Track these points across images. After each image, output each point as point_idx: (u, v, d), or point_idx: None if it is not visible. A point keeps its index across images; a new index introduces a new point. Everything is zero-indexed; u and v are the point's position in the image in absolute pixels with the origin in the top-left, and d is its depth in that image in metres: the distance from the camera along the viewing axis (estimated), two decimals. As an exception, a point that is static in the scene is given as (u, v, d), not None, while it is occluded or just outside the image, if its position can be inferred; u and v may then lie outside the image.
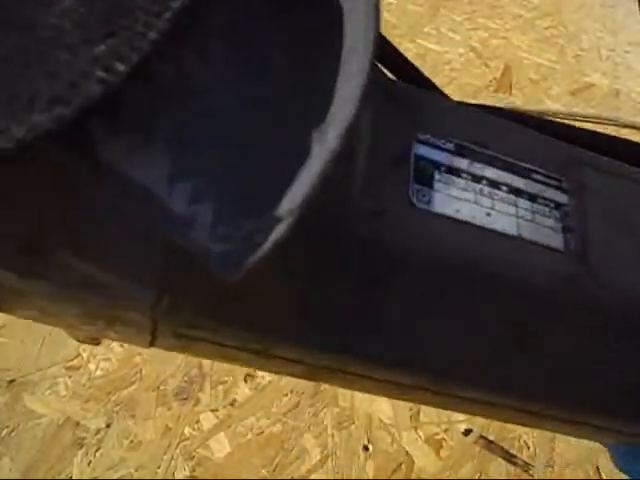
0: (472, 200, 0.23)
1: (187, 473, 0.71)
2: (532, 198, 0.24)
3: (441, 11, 1.58)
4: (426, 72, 0.29)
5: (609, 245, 0.24)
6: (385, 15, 1.39)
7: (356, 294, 0.23)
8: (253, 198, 0.15)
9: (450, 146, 0.24)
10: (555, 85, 1.39)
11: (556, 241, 0.24)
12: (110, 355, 0.82)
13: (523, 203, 0.24)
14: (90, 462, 0.71)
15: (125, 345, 0.83)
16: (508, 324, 0.24)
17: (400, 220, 0.22)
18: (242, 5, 0.16)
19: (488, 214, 0.23)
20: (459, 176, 0.24)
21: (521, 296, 0.23)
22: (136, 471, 0.71)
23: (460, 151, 0.24)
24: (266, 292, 0.22)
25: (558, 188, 0.25)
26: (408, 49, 1.40)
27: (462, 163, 0.24)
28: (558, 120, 0.31)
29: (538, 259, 0.23)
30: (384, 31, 0.23)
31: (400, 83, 0.27)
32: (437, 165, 0.23)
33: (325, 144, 0.14)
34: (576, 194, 0.25)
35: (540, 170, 0.25)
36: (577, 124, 0.31)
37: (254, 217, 0.15)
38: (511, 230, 0.23)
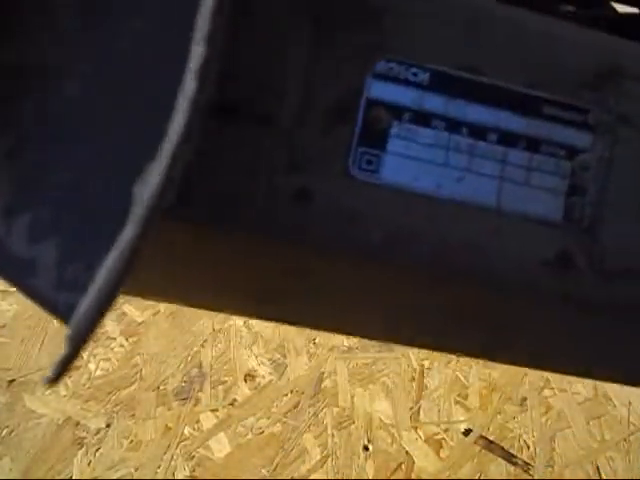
0: (440, 161, 0.17)
1: (187, 473, 0.71)
2: (533, 146, 0.17)
3: (441, 11, 1.58)
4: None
5: (632, 217, 0.17)
6: (385, 15, 1.39)
7: (279, 282, 0.18)
8: (99, 229, 0.12)
9: (423, 77, 0.17)
10: (555, 85, 1.39)
11: (553, 208, 0.17)
12: (110, 355, 0.82)
13: (517, 156, 0.17)
14: (90, 462, 0.71)
15: (125, 345, 0.83)
16: (481, 326, 0.20)
17: (330, 203, 0.16)
18: None
19: (459, 179, 0.17)
20: (428, 125, 0.17)
21: (493, 294, 0.18)
22: (136, 471, 0.71)
23: (437, 84, 0.17)
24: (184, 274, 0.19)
25: (580, 125, 0.17)
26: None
27: (436, 103, 0.17)
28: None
29: (518, 242, 0.17)
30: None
31: None
32: (398, 111, 0.17)
33: (154, 173, 0.11)
34: (605, 131, 0.17)
35: (558, 98, 0.17)
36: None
37: (99, 254, 0.11)
38: (488, 200, 0.17)
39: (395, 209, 0.16)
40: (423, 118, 0.17)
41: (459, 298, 0.18)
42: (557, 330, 0.20)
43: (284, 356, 0.82)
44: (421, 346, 0.24)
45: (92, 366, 0.80)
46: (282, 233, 0.16)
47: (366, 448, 0.74)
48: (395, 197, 0.16)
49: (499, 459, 0.75)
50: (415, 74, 0.17)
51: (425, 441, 0.75)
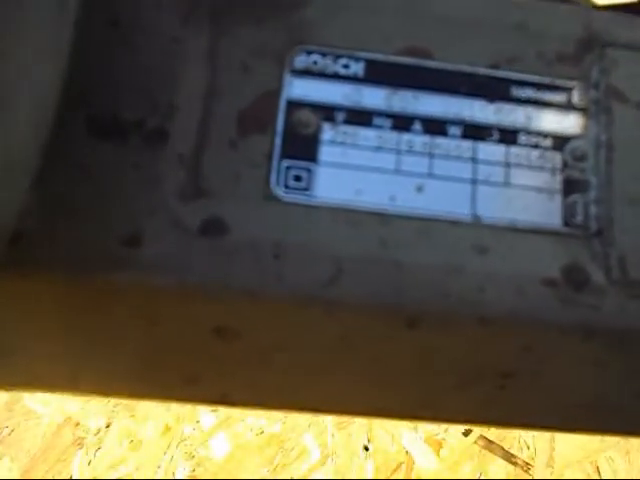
0: (391, 167, 0.13)
1: (187, 473, 0.71)
2: (508, 137, 0.13)
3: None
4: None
5: None
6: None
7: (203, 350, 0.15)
8: None
9: (356, 68, 0.13)
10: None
11: (548, 212, 0.13)
12: (110, 355, 0.82)
13: (489, 152, 0.13)
14: (90, 462, 0.71)
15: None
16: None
17: (251, 234, 0.12)
18: None
19: (419, 188, 0.13)
20: (369, 124, 0.13)
21: (485, 331, 0.13)
22: (136, 471, 0.71)
23: (374, 74, 0.13)
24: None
25: (563, 106, 0.14)
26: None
27: (376, 97, 0.13)
28: None
29: (510, 260, 0.13)
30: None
31: None
32: (329, 111, 0.13)
33: None
34: (597, 111, 0.14)
35: (530, 78, 0.14)
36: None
37: None
38: (461, 210, 0.13)
39: (337, 235, 0.13)
40: (362, 117, 0.13)
41: (437, 344, 0.14)
42: (576, 371, 0.15)
43: (284, 356, 0.82)
44: (388, 416, 0.18)
45: (92, 366, 0.80)
46: (193, 276, 0.12)
47: (366, 448, 0.74)
48: (336, 220, 0.13)
49: (499, 459, 0.75)
50: (346, 66, 0.13)
51: (425, 441, 0.75)
